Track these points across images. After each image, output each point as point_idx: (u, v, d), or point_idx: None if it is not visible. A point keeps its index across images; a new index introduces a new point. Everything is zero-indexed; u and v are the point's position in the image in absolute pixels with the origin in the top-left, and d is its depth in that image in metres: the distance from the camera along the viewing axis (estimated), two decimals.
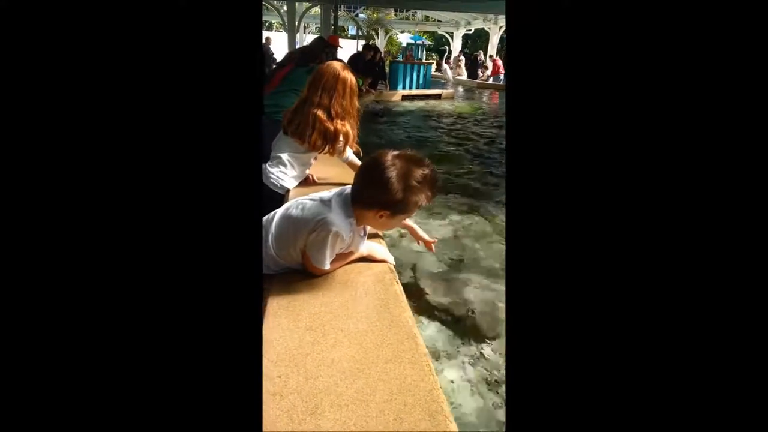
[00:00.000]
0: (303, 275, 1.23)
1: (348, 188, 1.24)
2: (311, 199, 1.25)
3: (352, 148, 2.00)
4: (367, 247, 1.35)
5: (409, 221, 1.49)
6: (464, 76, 14.19)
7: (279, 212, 1.27)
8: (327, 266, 1.20)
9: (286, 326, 1.02)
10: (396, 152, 1.17)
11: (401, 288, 1.23)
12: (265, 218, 1.29)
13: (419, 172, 1.14)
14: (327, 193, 1.26)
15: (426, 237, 1.56)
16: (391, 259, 1.38)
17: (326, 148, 1.91)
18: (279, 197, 1.92)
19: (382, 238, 1.54)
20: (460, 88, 12.40)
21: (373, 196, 1.16)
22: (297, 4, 13.44)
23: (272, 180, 1.94)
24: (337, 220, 1.16)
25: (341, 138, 1.89)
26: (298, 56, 3.37)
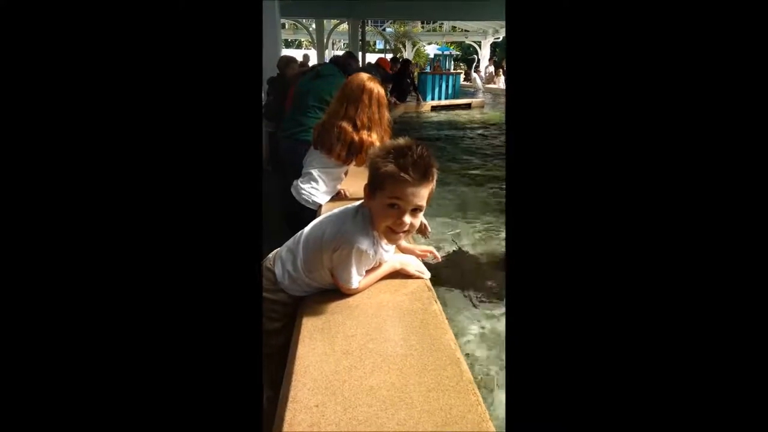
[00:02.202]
0: (336, 294, 1.19)
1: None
2: (330, 217, 1.20)
3: None
4: (400, 259, 1.29)
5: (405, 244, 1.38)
6: (499, 84, 14.09)
7: (304, 233, 1.22)
8: (356, 284, 1.15)
9: (322, 350, 0.97)
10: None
11: (440, 307, 1.17)
12: (291, 240, 1.25)
13: (395, 144, 1.09)
14: (348, 207, 1.21)
15: (417, 250, 1.42)
16: (426, 273, 1.32)
17: (352, 160, 1.90)
18: (311, 213, 1.90)
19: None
20: (488, 96, 12.26)
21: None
22: (325, 21, 13.69)
23: (304, 196, 1.95)
24: (358, 234, 1.10)
25: (367, 149, 1.86)
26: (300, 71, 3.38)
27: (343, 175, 2.06)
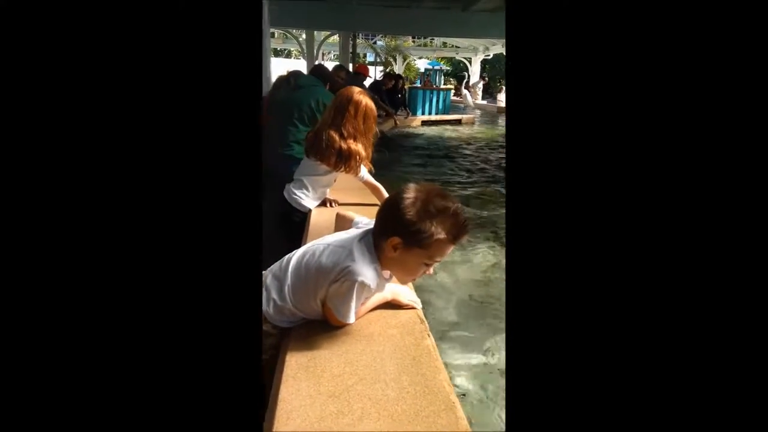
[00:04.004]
0: (323, 327, 1.11)
1: (369, 232, 1.12)
2: (329, 244, 1.12)
3: (365, 166, 2.08)
4: (391, 290, 1.22)
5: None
6: (478, 100, 14.26)
7: (293, 260, 1.14)
8: (352, 320, 1.08)
9: (306, 392, 0.90)
10: (419, 184, 1.06)
11: (434, 342, 1.10)
12: (277, 266, 1.17)
13: (440, 202, 1.01)
14: (346, 236, 1.14)
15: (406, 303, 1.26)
16: (418, 303, 1.26)
17: (342, 167, 1.99)
18: (302, 216, 2.06)
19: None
20: (477, 112, 12.35)
21: (386, 221, 1.04)
22: (316, 32, 13.71)
23: (295, 198, 2.08)
24: (362, 267, 1.03)
25: (355, 157, 1.98)
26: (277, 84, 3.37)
27: (332, 182, 2.15)
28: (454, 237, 1.02)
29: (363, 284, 1.03)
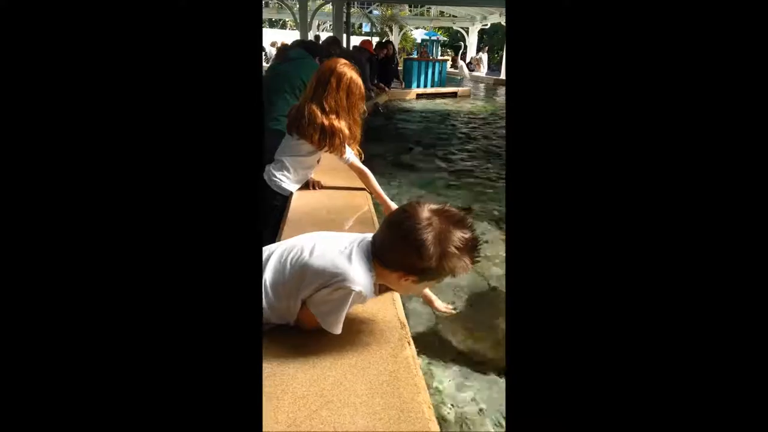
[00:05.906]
0: (288, 335, 0.98)
1: (368, 237, 0.99)
2: (322, 239, 1.00)
3: (352, 149, 1.91)
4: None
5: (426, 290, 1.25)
6: (482, 72, 13.86)
7: (274, 256, 1.00)
8: (339, 331, 0.95)
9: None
10: (434, 207, 0.91)
11: (414, 352, 0.97)
12: None
13: (459, 236, 0.88)
14: (342, 238, 1.01)
15: (441, 306, 1.32)
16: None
17: (326, 146, 1.82)
18: (282, 200, 1.91)
19: None
20: (481, 85, 12.03)
21: (399, 258, 0.91)
22: (309, 1, 13.24)
23: (275, 182, 1.90)
24: (361, 277, 0.91)
25: (338, 135, 1.80)
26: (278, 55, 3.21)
27: (315, 164, 1.99)
28: (471, 266, 0.92)
29: (359, 295, 0.92)
